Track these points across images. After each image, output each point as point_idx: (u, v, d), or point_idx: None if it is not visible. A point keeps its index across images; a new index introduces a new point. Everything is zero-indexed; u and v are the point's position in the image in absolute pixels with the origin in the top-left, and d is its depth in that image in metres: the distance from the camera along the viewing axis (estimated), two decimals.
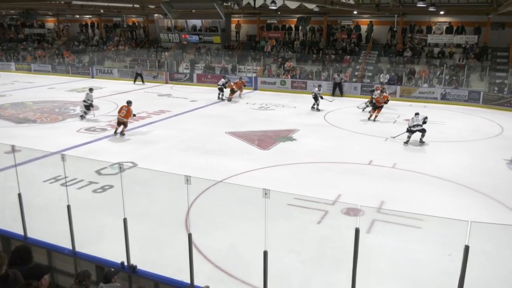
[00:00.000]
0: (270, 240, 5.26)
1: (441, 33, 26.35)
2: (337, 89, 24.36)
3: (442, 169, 11.89)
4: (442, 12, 24.79)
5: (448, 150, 13.81)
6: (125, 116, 14.73)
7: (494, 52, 24.84)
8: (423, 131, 14.31)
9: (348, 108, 20.67)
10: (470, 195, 10.19)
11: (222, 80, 22.99)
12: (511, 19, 24.36)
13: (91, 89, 17.92)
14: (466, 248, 4.63)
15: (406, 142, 14.35)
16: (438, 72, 23.90)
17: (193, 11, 23.84)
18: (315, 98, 19.90)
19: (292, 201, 9.14)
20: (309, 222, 8.46)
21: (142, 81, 28.47)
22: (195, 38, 31.58)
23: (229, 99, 21.98)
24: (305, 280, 6.69)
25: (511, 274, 6.87)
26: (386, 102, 18.56)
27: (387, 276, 6.80)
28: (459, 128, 16.79)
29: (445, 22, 26.39)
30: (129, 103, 15.25)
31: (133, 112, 15.24)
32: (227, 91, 22.52)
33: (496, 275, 6.82)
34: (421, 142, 14.36)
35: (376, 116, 17.91)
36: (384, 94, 18.79)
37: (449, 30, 26.09)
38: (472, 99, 21.86)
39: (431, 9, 22.49)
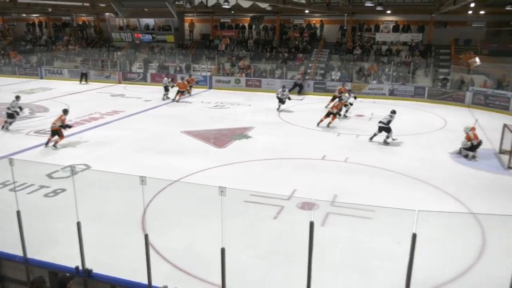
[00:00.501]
0: (228, 237, 5.28)
1: (388, 32, 27.24)
2: (297, 88, 24.51)
3: (392, 162, 12.32)
4: (389, 12, 25.67)
5: (397, 143, 14.30)
6: (56, 127, 13.23)
7: (438, 50, 25.95)
8: (387, 130, 14.17)
9: (302, 106, 20.98)
10: (419, 186, 10.62)
11: (166, 79, 22.56)
12: (452, 18, 25.52)
13: (17, 97, 16.15)
14: (414, 236, 4.83)
15: (371, 138, 14.45)
16: (386, 69, 24.69)
17: (145, 9, 23.39)
18: (280, 100, 19.33)
19: (249, 197, 9.19)
20: (266, 217, 8.53)
21: (86, 81, 27.82)
22: (148, 37, 31.02)
23: (177, 100, 21.45)
24: (262, 275, 6.76)
25: (456, 259, 7.24)
26: (340, 110, 17.22)
27: (341, 266, 6.98)
28: (407, 122, 17.42)
29: (392, 21, 27.31)
30: (65, 111, 13.78)
31: (67, 123, 13.73)
32: (173, 91, 22.15)
33: (442, 261, 7.15)
34: (385, 143, 14.16)
35: (330, 123, 16.45)
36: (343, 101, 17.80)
37: (395, 29, 27.03)
38: (418, 94, 22.73)
39: (379, 8, 23.22)
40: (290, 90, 22.80)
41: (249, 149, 13.33)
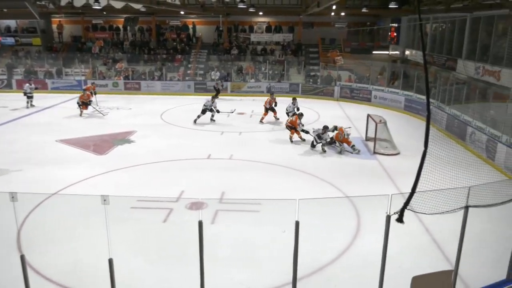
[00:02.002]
0: (115, 246, 5.03)
1: (262, 32, 28.34)
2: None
3: (274, 156, 12.85)
4: (261, 13, 26.68)
5: (278, 137, 14.93)
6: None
7: (307, 48, 27.67)
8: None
9: (184, 106, 20.79)
10: (300, 177, 11.25)
11: (27, 85, 20.45)
12: (318, 19, 27.45)
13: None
14: (297, 223, 5.11)
15: (313, 146, 13.59)
16: (263, 68, 25.63)
17: (5, 10, 21.14)
18: (204, 111, 17.01)
19: (135, 203, 8.87)
20: (154, 222, 8.31)
21: None
22: (10, 40, 28.06)
23: (80, 115, 18.46)
24: (156, 280, 6.57)
25: (336, 240, 7.82)
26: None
27: (233, 260, 7.10)
28: (285, 117, 18.23)
29: (264, 22, 28.43)
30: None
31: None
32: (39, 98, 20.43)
33: (324, 243, 7.67)
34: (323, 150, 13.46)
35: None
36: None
37: (268, 29, 28.21)
38: (293, 90, 23.98)
39: (251, 10, 23.97)
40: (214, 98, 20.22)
41: (133, 154, 12.85)
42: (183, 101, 22.05)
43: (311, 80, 24.72)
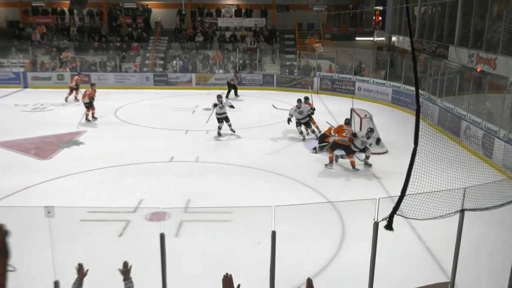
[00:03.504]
0: (62, 267, 4.91)
1: (231, 16, 28.31)
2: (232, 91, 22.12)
3: (246, 157, 12.86)
4: None
5: (250, 136, 14.95)
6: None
7: (282, 35, 27.83)
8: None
9: (142, 102, 20.56)
10: (275, 180, 11.27)
11: None
12: (294, 1, 27.65)
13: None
14: (273, 234, 5.11)
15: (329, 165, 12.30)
16: (232, 57, 25.61)
17: None
18: (220, 119, 14.95)
19: (86, 215, 8.71)
20: (109, 236, 8.18)
21: None
22: None
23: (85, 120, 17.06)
24: None
25: (319, 250, 7.87)
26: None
27: (200, 278, 7.03)
28: (259, 113, 18.32)
29: (233, 4, 28.42)
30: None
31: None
32: None
33: (305, 255, 7.71)
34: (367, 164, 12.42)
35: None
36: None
37: (238, 13, 28.21)
38: (267, 82, 24.09)
39: None
40: (227, 96, 19.84)
41: (82, 158, 12.63)
42: (141, 96, 21.79)
43: (287, 71, 24.88)
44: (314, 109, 15.44)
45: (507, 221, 8.35)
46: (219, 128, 14.92)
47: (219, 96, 15.04)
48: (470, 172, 8.19)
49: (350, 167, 11.97)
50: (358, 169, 12.04)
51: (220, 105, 14.82)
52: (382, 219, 5.36)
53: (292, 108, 14.75)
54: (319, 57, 24.40)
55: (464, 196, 5.73)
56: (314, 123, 14.98)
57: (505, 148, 11.93)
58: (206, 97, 20.78)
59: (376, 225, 5.34)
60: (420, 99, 5.40)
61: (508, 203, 6.34)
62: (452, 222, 5.85)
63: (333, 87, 22.94)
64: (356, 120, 14.64)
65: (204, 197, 9.91)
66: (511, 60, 13.35)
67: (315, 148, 13.49)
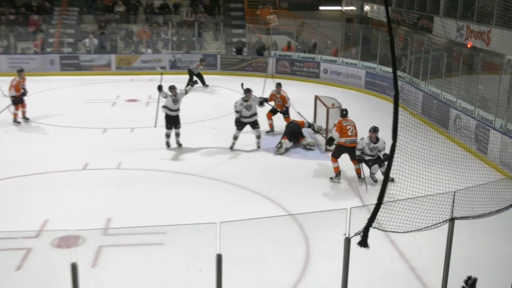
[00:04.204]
0: None
1: None
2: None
3: (182, 161, 12.83)
4: None
5: (189, 134, 14.82)
6: None
7: (227, 4, 27.83)
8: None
9: (46, 92, 20.03)
10: (221, 189, 11.29)
11: None
12: None
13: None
14: (219, 257, 5.10)
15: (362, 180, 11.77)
16: (163, 33, 25.42)
17: None
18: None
19: None
20: (3, 269, 7.95)
21: None
22: None
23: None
24: None
25: (280, 275, 7.91)
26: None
27: None
28: (200, 104, 18.22)
29: None
30: None
31: None
32: None
33: (261, 281, 7.73)
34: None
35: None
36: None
37: None
38: (209, 65, 23.98)
39: None
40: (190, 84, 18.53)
41: None
42: (44, 85, 21.20)
43: (234, 50, 24.91)
44: (287, 107, 15.48)
45: (506, 230, 8.66)
46: (167, 135, 13.79)
47: (171, 88, 13.71)
48: (461, 172, 8.46)
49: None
50: (363, 179, 11.60)
51: (174, 97, 13.60)
52: (355, 234, 5.46)
53: (237, 102, 13.85)
54: (275, 32, 24.56)
55: (454, 202, 5.90)
56: (288, 120, 14.97)
57: (502, 141, 12.35)
58: (131, 85, 20.54)
59: (347, 241, 5.42)
60: (400, 83, 5.50)
61: (507, 208, 6.57)
62: (440, 234, 6.02)
63: (293, 70, 23.18)
64: (320, 111, 14.82)
65: (129, 215, 9.78)
66: (508, 34, 13.82)
67: (281, 147, 13.62)
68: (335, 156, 11.90)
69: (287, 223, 9.27)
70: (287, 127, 14.21)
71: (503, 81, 13.30)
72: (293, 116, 15.58)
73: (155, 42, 25.22)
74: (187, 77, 20.36)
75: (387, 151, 9.96)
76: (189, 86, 15.72)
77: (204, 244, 5.16)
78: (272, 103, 15.36)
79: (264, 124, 14.74)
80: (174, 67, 24.01)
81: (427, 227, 5.80)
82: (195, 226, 6.53)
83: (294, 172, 12.34)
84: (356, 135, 11.86)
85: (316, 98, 15.17)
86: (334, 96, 15.40)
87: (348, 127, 11.83)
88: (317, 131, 14.82)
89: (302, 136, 14.18)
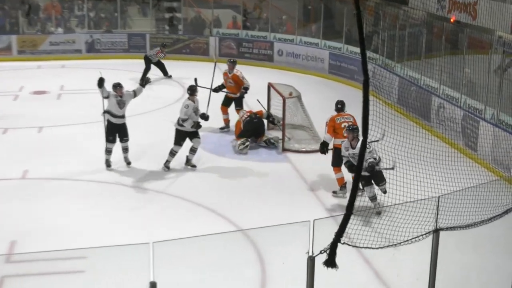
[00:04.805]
0: None
1: None
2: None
3: (103, 166, 12.63)
4: None
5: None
6: None
7: None
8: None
9: None
10: (154, 200, 11.31)
11: None
12: None
13: None
14: (153, 286, 5.07)
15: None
16: (77, 8, 25.10)
17: None
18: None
19: None
20: None
21: None
22: None
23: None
24: None
25: None
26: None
27: None
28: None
29: None
30: None
31: None
32: None
33: None
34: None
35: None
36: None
37: None
38: (135, 46, 23.85)
39: None
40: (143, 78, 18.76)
41: None
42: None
43: (166, 28, 24.79)
44: (245, 90, 15.16)
45: (501, 241, 8.86)
46: (107, 151, 12.78)
47: (116, 86, 12.69)
48: (447, 173, 8.65)
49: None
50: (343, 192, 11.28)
51: (119, 99, 12.62)
52: (320, 252, 5.49)
53: (186, 105, 12.67)
54: (217, 5, 24.55)
55: (438, 209, 6.01)
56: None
57: (494, 134, 12.58)
58: (38, 73, 20.22)
59: (311, 260, 5.46)
60: (370, 67, 5.56)
61: (501, 215, 6.73)
62: (423, 249, 6.12)
63: (240, 52, 23.20)
64: (275, 103, 14.84)
65: (39, 236, 9.68)
66: (497, 5, 14.09)
67: (246, 146, 13.69)
68: (336, 164, 11.32)
69: (238, 241, 9.26)
70: (249, 123, 14.11)
71: (493, 62, 13.54)
72: (250, 105, 15.64)
73: (67, 19, 24.90)
74: (110, 61, 20.15)
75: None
76: (139, 86, 13.81)
77: (134, 270, 5.12)
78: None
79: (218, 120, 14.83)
80: (92, 50, 23.75)
81: (406, 240, 5.89)
82: (123, 248, 6.48)
83: (247, 179, 12.36)
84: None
85: (270, 86, 15.21)
86: (292, 83, 15.49)
87: (343, 125, 11.35)
88: (276, 124, 14.80)
89: (263, 133, 14.26)
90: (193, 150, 12.89)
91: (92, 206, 11.01)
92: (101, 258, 7.88)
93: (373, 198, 10.36)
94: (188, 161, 12.91)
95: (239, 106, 15.26)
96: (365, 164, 9.44)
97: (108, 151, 12.71)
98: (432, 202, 6.00)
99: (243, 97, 15.35)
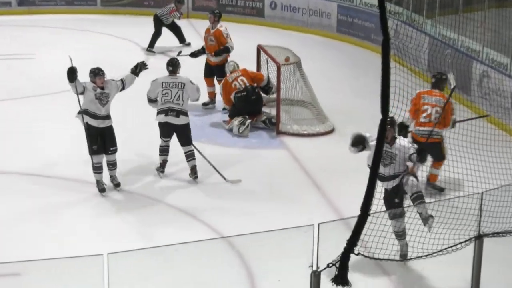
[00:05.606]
0: None
1: None
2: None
3: (49, 159, 12.65)
4: None
5: (56, 117, 14.68)
6: None
7: None
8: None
9: None
10: (112, 203, 11.25)
11: None
12: None
13: None
14: None
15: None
16: None
17: None
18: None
19: None
20: None
21: None
22: None
23: None
24: None
25: None
26: None
27: None
28: (59, 63, 17.97)
29: None
30: None
31: None
32: None
33: None
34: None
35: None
36: None
37: None
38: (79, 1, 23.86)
39: None
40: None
41: None
42: None
43: None
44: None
45: None
46: (96, 168, 11.62)
47: (94, 74, 11.29)
48: (492, 162, 8.68)
49: None
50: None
51: (100, 92, 11.34)
52: (328, 265, 5.52)
53: (157, 80, 12.17)
54: None
55: (481, 209, 6.04)
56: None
57: None
58: None
59: (315, 276, 5.51)
60: (391, 23, 5.52)
61: None
62: (461, 261, 6.18)
63: (221, 4, 23.06)
64: (267, 69, 14.80)
65: None
66: None
67: (247, 127, 13.64)
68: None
69: (221, 251, 9.30)
70: (243, 100, 13.82)
71: None
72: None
73: None
74: (49, 18, 20.11)
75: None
76: (130, 74, 12.00)
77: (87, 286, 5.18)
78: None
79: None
80: (23, 4, 23.65)
81: (440, 250, 5.92)
82: (73, 260, 6.54)
83: (233, 171, 12.22)
84: (440, 121, 10.48)
85: (260, 49, 15.14)
86: (289, 46, 15.43)
87: (425, 107, 10.91)
88: (270, 95, 14.59)
89: (261, 111, 14.21)
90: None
91: (35, 206, 10.87)
92: (44, 273, 7.96)
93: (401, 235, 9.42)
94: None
95: (221, 77, 14.91)
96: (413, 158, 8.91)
97: (97, 168, 11.45)
98: (473, 200, 6.01)
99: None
